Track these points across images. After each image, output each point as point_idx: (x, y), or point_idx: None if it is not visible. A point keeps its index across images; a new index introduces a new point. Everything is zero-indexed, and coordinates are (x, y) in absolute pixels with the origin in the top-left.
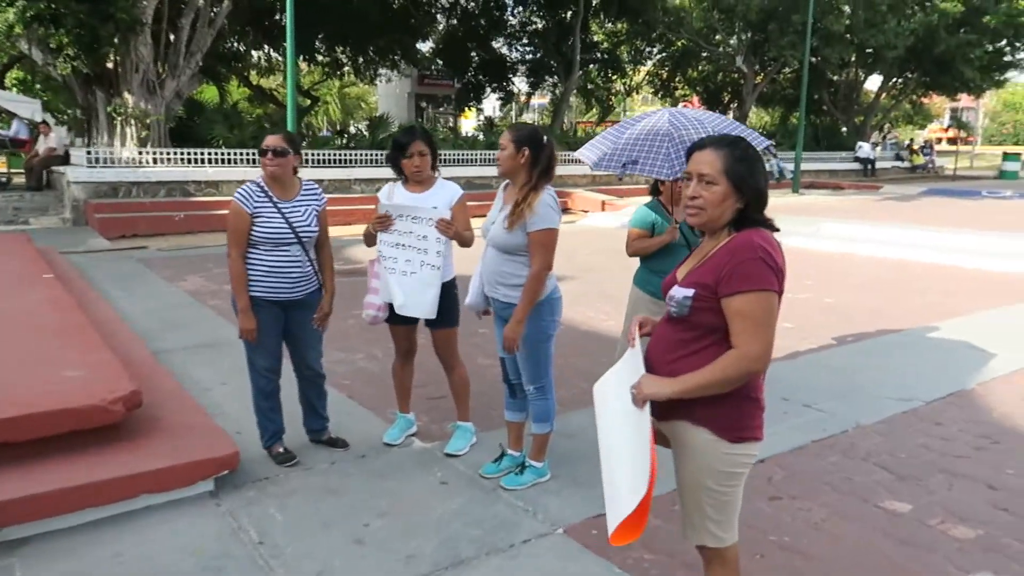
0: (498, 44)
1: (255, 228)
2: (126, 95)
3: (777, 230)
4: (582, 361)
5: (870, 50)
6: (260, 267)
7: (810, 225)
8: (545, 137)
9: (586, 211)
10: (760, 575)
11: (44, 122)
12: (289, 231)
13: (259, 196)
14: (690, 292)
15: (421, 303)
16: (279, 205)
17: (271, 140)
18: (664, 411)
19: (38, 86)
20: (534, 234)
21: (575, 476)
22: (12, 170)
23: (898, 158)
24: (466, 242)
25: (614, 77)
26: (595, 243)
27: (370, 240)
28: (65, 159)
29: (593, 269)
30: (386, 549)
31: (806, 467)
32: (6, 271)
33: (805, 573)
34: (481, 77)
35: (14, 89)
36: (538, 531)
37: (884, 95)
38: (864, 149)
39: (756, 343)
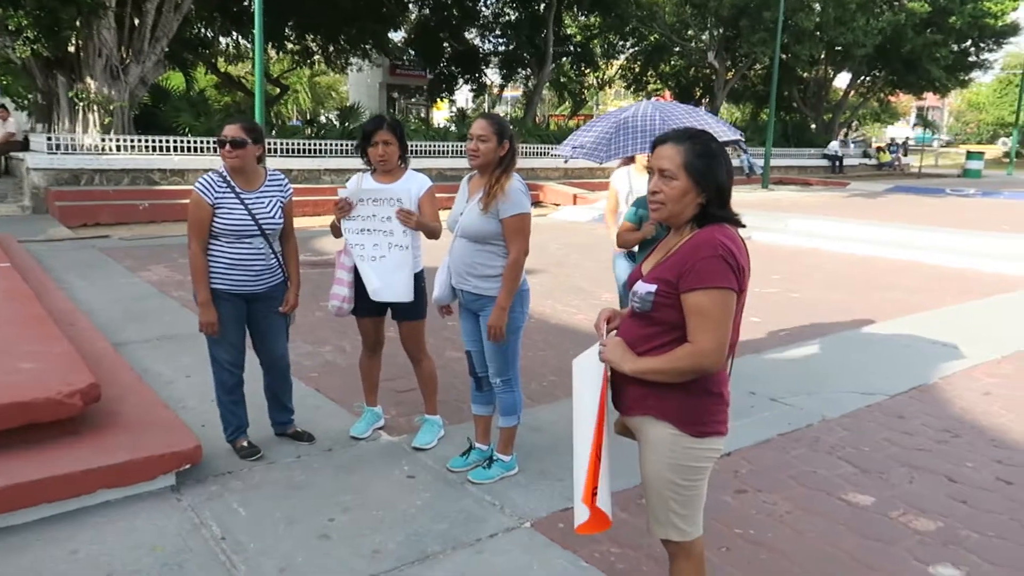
0: (471, 35)
1: (216, 220)
2: (88, 80)
3: (742, 226)
4: (551, 355)
5: (839, 48)
6: (222, 259)
7: (778, 221)
8: (512, 127)
9: (558, 204)
10: (726, 568)
11: (3, 107)
12: (252, 223)
13: (221, 186)
14: (652, 288)
15: (394, 285)
16: (242, 196)
17: (228, 130)
18: (628, 405)
19: None
20: (508, 220)
21: (543, 470)
22: None
23: (865, 155)
24: (433, 233)
25: (587, 71)
26: (566, 237)
27: (337, 232)
28: (24, 145)
29: (564, 263)
30: (351, 544)
31: (772, 461)
32: None
33: (770, 566)
34: (453, 68)
35: None
36: (505, 525)
37: (852, 93)
38: (832, 146)
39: (709, 340)
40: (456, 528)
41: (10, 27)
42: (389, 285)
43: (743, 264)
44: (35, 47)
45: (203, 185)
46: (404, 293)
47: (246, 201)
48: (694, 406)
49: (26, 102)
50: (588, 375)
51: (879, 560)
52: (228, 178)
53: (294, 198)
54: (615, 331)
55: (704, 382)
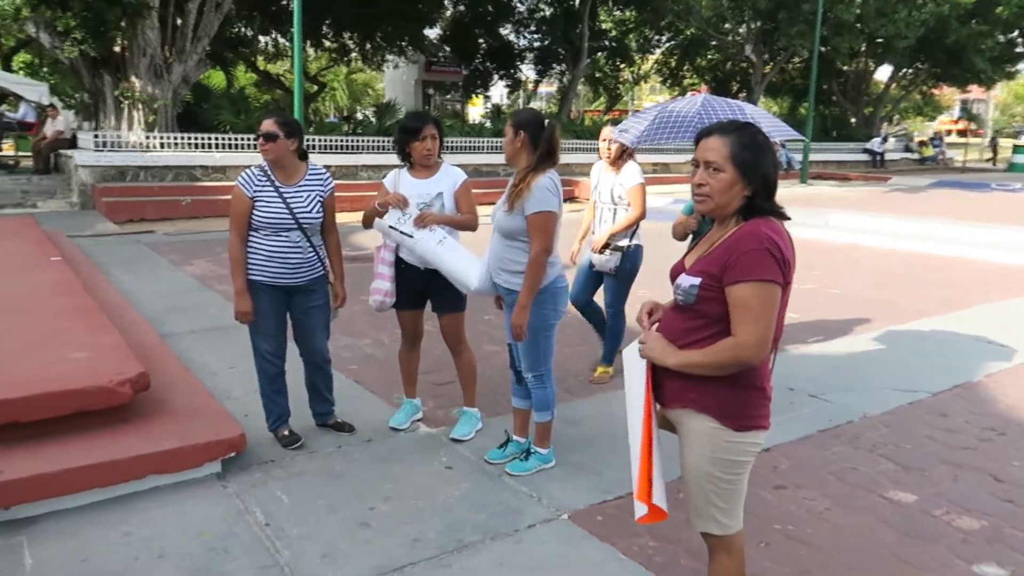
0: (506, 31)
1: (255, 212)
2: (133, 79)
3: (787, 219)
4: (586, 349)
5: (880, 40)
6: (260, 252)
7: (818, 216)
8: (547, 121)
9: None
10: (764, 563)
11: (51, 105)
12: (289, 216)
13: (261, 180)
14: (696, 281)
15: (470, 267)
16: (280, 190)
17: (263, 124)
18: (669, 398)
19: (45, 69)
20: (531, 217)
21: (580, 463)
22: (20, 153)
23: (907, 149)
24: (469, 226)
25: (622, 65)
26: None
27: (369, 222)
28: (72, 142)
29: None
30: (391, 532)
31: (811, 457)
32: (14, 254)
33: (809, 562)
34: (488, 64)
35: (21, 72)
36: (542, 516)
37: (894, 86)
38: (874, 142)
39: (751, 333)
40: (494, 519)
41: (59, 28)
42: (467, 267)
43: (788, 257)
44: (82, 47)
45: (244, 179)
46: (474, 273)
47: (284, 195)
48: (735, 399)
49: (73, 101)
50: (634, 368)
51: (921, 558)
52: (269, 172)
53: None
54: (657, 323)
55: (746, 375)
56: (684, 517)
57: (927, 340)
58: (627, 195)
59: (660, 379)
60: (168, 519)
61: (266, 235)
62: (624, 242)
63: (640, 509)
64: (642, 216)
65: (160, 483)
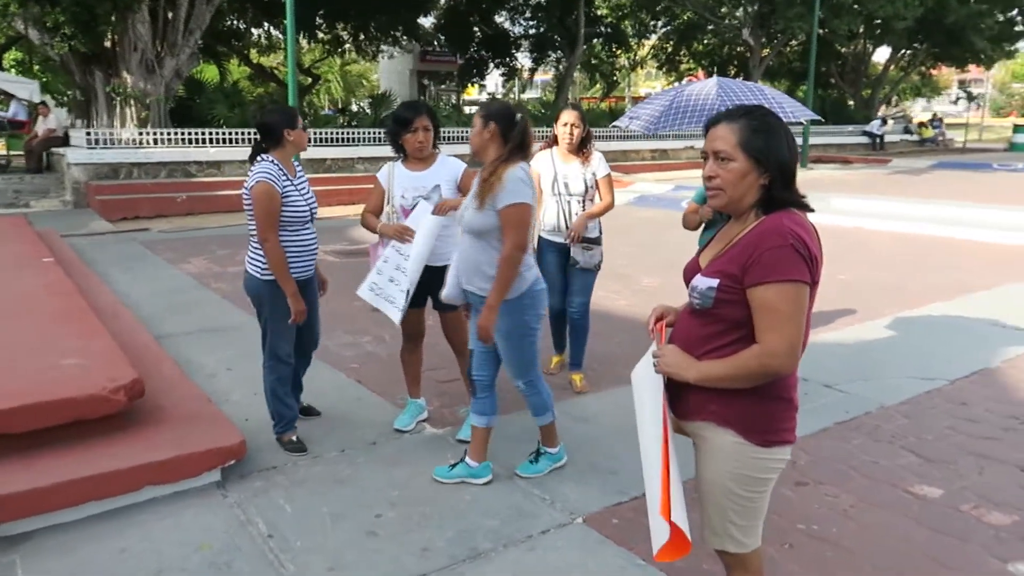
0: (501, 18)
1: (284, 208)
2: (125, 75)
3: (811, 210)
4: (595, 343)
5: (879, 21)
6: (290, 248)
7: (819, 200)
8: (519, 114)
9: None
10: (789, 566)
11: (43, 103)
12: (307, 208)
13: (280, 175)
14: (714, 282)
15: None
16: (295, 182)
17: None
18: (688, 411)
19: (36, 67)
20: (504, 211)
21: (592, 462)
22: (12, 152)
23: (907, 131)
24: None
25: (618, 51)
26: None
27: (367, 226)
28: (65, 140)
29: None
30: (399, 541)
31: (831, 451)
32: (4, 255)
33: (836, 564)
34: (484, 53)
35: (12, 70)
36: (557, 521)
37: (892, 67)
38: (874, 124)
39: (779, 340)
40: (507, 525)
41: (48, 24)
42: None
43: (816, 253)
44: (72, 43)
45: (270, 175)
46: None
47: (298, 187)
48: (760, 413)
49: (65, 98)
50: (647, 386)
51: (953, 557)
52: (282, 167)
53: (329, 188)
54: (670, 329)
55: (772, 386)
56: (700, 519)
57: (940, 325)
58: (600, 185)
59: (676, 390)
60: (166, 532)
61: (294, 230)
62: (596, 233)
63: (661, 532)
64: (612, 205)
65: (157, 494)
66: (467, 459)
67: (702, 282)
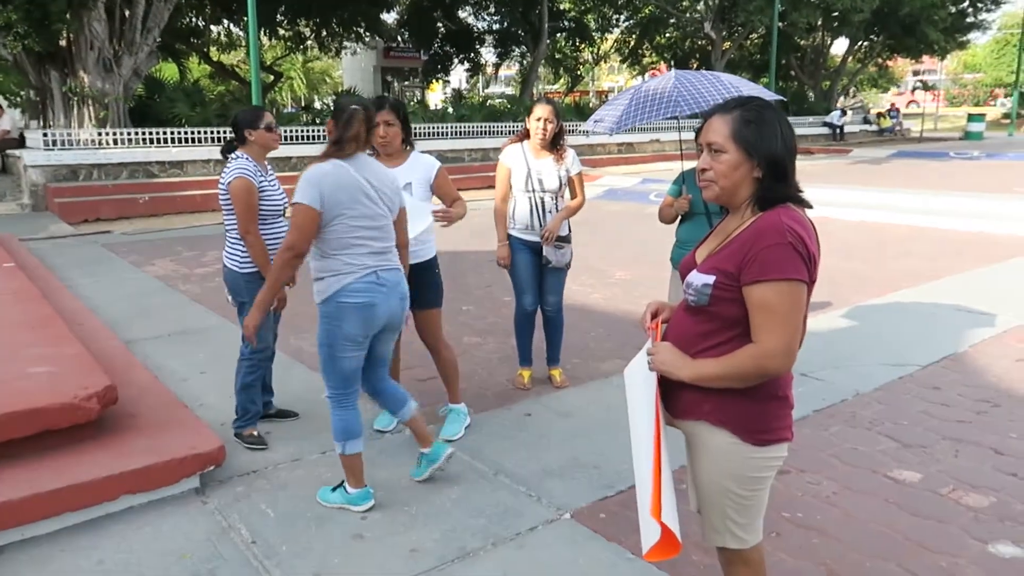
0: (464, 13)
1: (262, 201)
2: (81, 74)
3: (810, 207)
4: (571, 336)
5: (836, 14)
6: (268, 241)
7: None
8: (353, 106)
9: None
10: (777, 555)
11: None
12: (282, 201)
13: (256, 170)
14: (710, 279)
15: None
16: (267, 178)
17: (270, 116)
18: (681, 410)
19: None
20: (291, 208)
21: (576, 456)
22: None
23: (866, 121)
24: (459, 215)
25: (582, 46)
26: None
27: None
28: (21, 142)
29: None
30: (386, 544)
31: (811, 439)
32: None
33: (823, 551)
34: (448, 48)
35: None
36: (544, 517)
37: (850, 59)
38: (834, 115)
39: (776, 340)
40: (494, 523)
41: (0, 23)
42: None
43: (814, 252)
44: (26, 42)
45: (247, 169)
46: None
47: (271, 182)
48: (755, 412)
49: (19, 99)
50: (640, 384)
51: (935, 540)
52: (255, 162)
53: (294, 186)
54: (665, 325)
55: (767, 385)
56: (690, 506)
57: (907, 312)
58: (574, 182)
59: (669, 388)
60: (145, 542)
61: (269, 224)
62: (566, 231)
63: (651, 531)
64: (584, 203)
65: (135, 503)
66: (422, 449)
67: (698, 278)
